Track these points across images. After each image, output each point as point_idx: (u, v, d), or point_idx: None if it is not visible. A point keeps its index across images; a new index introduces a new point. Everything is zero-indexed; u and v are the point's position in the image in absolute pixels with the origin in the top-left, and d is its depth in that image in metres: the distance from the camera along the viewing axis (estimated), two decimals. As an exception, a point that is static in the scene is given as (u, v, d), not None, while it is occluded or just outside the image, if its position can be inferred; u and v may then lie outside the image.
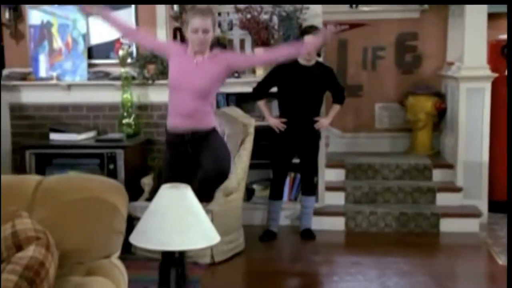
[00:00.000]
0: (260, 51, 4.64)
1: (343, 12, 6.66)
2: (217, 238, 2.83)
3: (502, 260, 4.65)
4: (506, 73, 5.68)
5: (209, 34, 3.85)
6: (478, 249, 4.95)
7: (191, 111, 3.90)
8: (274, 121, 5.30)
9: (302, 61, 5.23)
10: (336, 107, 5.42)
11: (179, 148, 4.03)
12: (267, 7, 5.66)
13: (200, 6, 3.93)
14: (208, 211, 4.49)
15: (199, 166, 4.02)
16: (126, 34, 4.35)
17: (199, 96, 3.86)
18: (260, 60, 4.67)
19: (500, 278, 4.34)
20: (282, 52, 4.21)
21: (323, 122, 5.35)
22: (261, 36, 5.56)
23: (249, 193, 5.81)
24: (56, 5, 5.59)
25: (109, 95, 5.52)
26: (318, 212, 5.59)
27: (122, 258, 2.80)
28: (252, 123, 5.17)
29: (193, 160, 4.03)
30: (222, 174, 4.09)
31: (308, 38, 4.99)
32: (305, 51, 4.61)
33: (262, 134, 5.49)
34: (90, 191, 2.74)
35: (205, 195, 4.03)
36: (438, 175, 5.88)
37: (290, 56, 4.32)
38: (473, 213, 5.47)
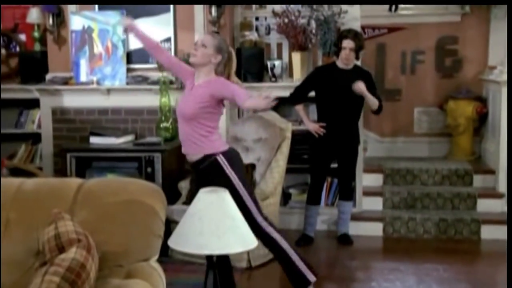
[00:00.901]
0: (243, 95, 3.95)
1: (382, 16, 6.61)
2: (254, 243, 2.83)
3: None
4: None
5: (205, 49, 3.67)
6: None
7: (185, 135, 3.76)
8: (313, 126, 5.28)
9: (340, 64, 5.21)
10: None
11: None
12: (305, 11, 5.65)
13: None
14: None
15: None
16: (153, 52, 4.05)
17: (188, 120, 3.70)
18: (241, 105, 3.79)
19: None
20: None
21: (361, 85, 5.04)
22: (299, 41, 5.56)
23: (285, 198, 5.80)
24: (97, 11, 5.67)
25: (148, 99, 5.58)
26: (356, 217, 5.55)
27: (159, 261, 2.82)
28: (289, 127, 5.16)
29: None
30: None
31: (345, 43, 5.05)
32: (246, 105, 3.68)
33: (299, 138, 5.48)
34: (130, 194, 2.76)
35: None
36: (478, 180, 5.78)
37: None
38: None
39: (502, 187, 5.58)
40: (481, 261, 4.77)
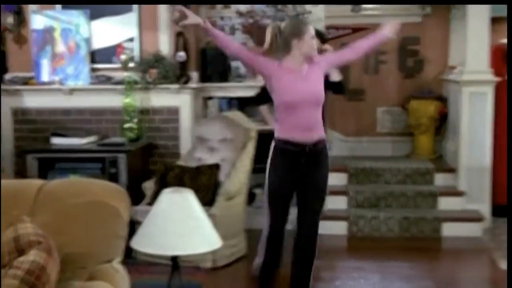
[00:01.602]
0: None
1: (345, 17, 6.66)
2: (218, 243, 2.84)
3: (504, 265, 4.63)
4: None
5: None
6: (481, 254, 4.93)
7: (314, 121, 3.68)
8: None
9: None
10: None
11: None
12: (270, 12, 5.67)
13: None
14: (210, 216, 4.52)
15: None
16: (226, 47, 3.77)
17: (318, 105, 3.68)
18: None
19: (502, 283, 4.33)
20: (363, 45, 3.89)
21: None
22: (264, 41, 5.55)
23: (251, 197, 5.80)
24: (60, 10, 5.60)
25: (112, 100, 5.53)
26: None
27: (123, 262, 2.80)
28: (254, 127, 5.17)
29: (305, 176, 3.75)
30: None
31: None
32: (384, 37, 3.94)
33: (266, 138, 5.48)
34: (92, 195, 2.74)
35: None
36: (440, 179, 5.87)
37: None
38: (476, 218, 5.46)
39: (462, 186, 5.68)
40: (442, 258, 4.86)
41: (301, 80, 3.62)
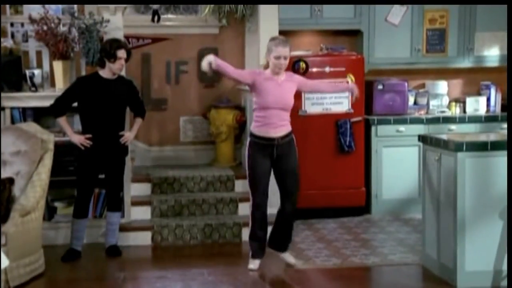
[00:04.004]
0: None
1: (145, 26, 6.68)
2: (5, 262, 2.68)
3: (298, 264, 4.97)
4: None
5: (287, 61, 4.78)
6: (276, 255, 5.15)
7: (279, 120, 4.77)
8: (78, 138, 5.16)
9: (104, 74, 5.17)
10: (139, 120, 5.43)
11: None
12: (65, 19, 5.50)
13: (282, 38, 4.86)
14: (3, 233, 4.25)
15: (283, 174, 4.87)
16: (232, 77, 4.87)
17: (287, 108, 4.81)
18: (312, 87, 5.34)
19: (295, 279, 4.69)
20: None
21: (128, 136, 5.32)
22: (60, 49, 5.39)
23: (50, 212, 5.58)
24: None
25: None
26: (124, 228, 5.54)
27: None
28: (51, 138, 4.99)
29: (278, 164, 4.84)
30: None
31: (120, 53, 5.06)
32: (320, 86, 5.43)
33: (64, 150, 5.31)
34: None
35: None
36: (240, 185, 6.10)
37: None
38: (272, 221, 5.72)
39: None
40: (242, 262, 5.03)
41: (275, 88, 4.74)
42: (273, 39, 4.84)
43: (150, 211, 5.80)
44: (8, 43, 5.41)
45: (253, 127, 4.83)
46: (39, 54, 5.59)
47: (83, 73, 5.61)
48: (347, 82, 6.11)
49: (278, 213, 4.95)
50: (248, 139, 4.88)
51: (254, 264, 4.90)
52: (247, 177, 4.89)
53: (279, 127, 4.75)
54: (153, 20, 6.67)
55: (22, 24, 5.55)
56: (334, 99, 6.25)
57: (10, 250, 4.25)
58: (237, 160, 6.70)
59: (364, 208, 6.50)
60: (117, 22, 5.55)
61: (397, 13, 6.67)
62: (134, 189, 5.86)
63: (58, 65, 5.46)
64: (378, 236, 5.77)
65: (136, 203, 5.78)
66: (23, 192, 4.68)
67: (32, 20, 5.38)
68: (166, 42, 6.75)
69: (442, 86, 6.93)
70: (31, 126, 5.08)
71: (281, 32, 5.98)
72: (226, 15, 6.57)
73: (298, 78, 5.00)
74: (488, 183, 4.43)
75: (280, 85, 4.76)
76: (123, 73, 5.38)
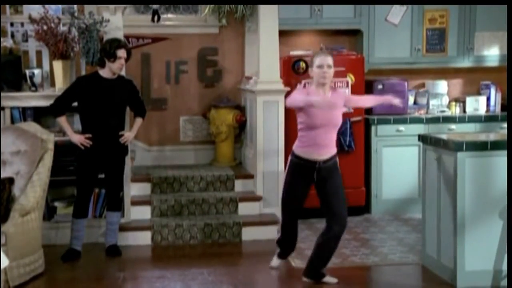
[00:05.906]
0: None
1: (145, 26, 6.67)
2: (5, 262, 2.67)
3: (295, 263, 4.97)
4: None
5: (332, 70, 4.44)
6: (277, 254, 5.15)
7: (328, 141, 4.49)
8: (78, 138, 5.16)
9: (104, 74, 5.17)
10: (139, 120, 5.43)
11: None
12: (65, 19, 5.50)
13: (323, 50, 4.84)
14: (3, 233, 4.25)
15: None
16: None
17: (335, 127, 4.53)
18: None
19: (295, 278, 4.69)
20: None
21: (128, 136, 5.32)
22: (60, 49, 5.38)
23: (50, 212, 5.57)
24: None
25: None
26: (124, 228, 5.54)
27: None
28: (51, 138, 4.99)
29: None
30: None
31: (120, 53, 5.06)
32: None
33: (64, 150, 5.31)
34: None
35: None
36: (239, 185, 6.11)
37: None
38: (272, 221, 5.76)
39: (260, 191, 5.97)
40: (242, 262, 5.05)
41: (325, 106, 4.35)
42: (315, 53, 4.70)
43: (150, 211, 5.79)
44: (8, 43, 5.41)
45: (296, 146, 4.54)
46: (39, 54, 5.58)
47: (83, 73, 5.61)
48: (347, 82, 6.12)
49: (322, 235, 4.57)
50: (290, 157, 4.60)
51: (275, 262, 4.90)
52: (282, 190, 4.69)
53: (325, 148, 4.44)
54: (153, 20, 6.67)
55: (22, 24, 5.55)
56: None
57: (10, 250, 4.26)
58: (237, 160, 6.70)
59: (364, 208, 6.51)
60: (117, 22, 5.55)
61: (397, 13, 6.68)
62: (134, 189, 5.86)
63: (58, 65, 5.46)
64: (378, 235, 5.77)
65: (136, 202, 5.78)
66: (23, 192, 4.69)
67: (32, 20, 5.38)
68: (166, 42, 6.74)
69: (442, 85, 6.94)
70: (31, 126, 5.08)
71: (281, 32, 6.02)
72: (226, 15, 6.57)
73: (343, 94, 4.92)
74: (488, 183, 4.43)
75: (327, 102, 4.40)
76: (123, 72, 5.38)
